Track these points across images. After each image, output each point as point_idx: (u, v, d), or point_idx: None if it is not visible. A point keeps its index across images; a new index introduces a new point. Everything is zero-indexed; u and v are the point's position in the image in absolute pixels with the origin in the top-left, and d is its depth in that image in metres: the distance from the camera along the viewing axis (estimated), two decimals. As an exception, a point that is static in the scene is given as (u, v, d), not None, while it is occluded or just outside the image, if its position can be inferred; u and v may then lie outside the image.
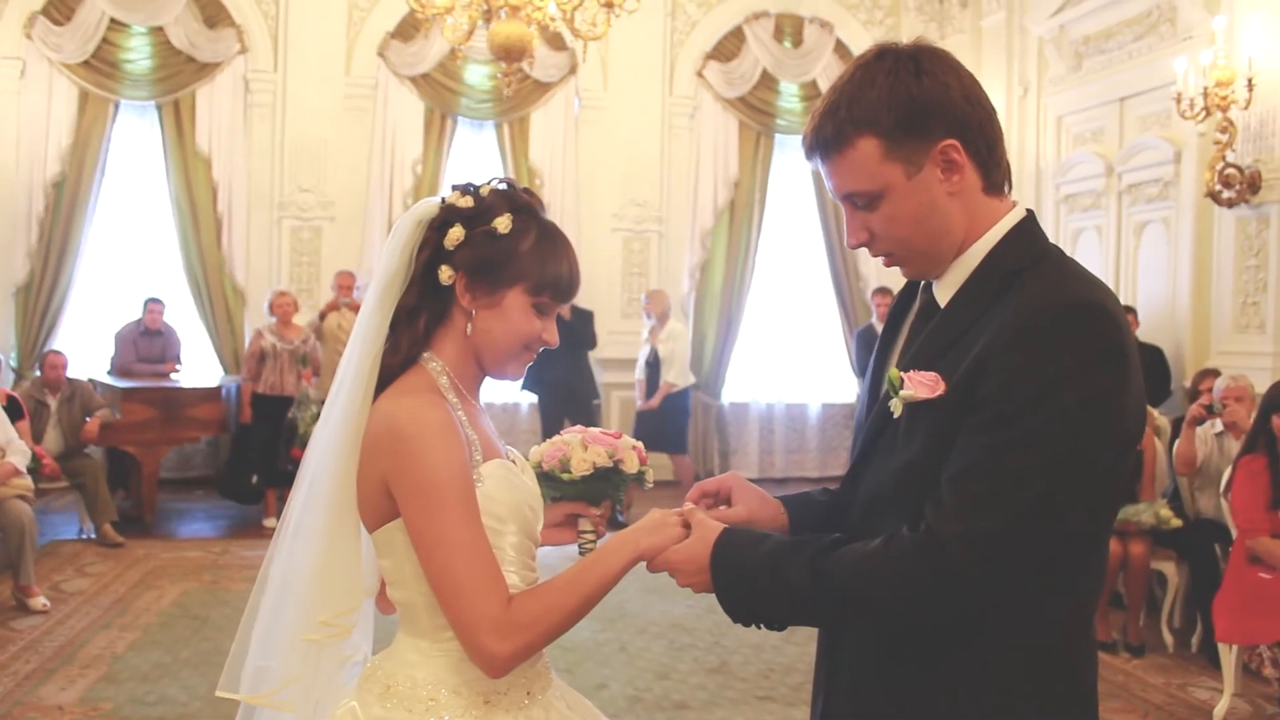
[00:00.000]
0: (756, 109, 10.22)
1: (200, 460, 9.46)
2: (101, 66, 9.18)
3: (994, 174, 1.56)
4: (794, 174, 10.39)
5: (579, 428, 1.90)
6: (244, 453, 8.13)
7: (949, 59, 1.54)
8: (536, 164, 9.96)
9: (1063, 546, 1.45)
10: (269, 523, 7.67)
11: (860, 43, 10.27)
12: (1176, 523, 5.65)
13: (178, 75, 9.33)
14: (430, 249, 1.69)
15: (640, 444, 1.90)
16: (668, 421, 8.45)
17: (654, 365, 8.54)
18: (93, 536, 7.34)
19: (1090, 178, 8.58)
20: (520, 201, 1.72)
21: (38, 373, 8.05)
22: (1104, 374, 1.41)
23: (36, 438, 6.87)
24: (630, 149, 10.10)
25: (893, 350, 1.69)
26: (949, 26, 10.29)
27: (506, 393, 9.60)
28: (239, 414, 8.21)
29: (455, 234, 1.67)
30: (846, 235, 1.60)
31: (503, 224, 1.67)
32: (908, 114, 1.48)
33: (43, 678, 4.84)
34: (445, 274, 1.67)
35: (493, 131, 10.01)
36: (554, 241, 1.71)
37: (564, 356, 8.58)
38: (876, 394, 1.64)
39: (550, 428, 8.77)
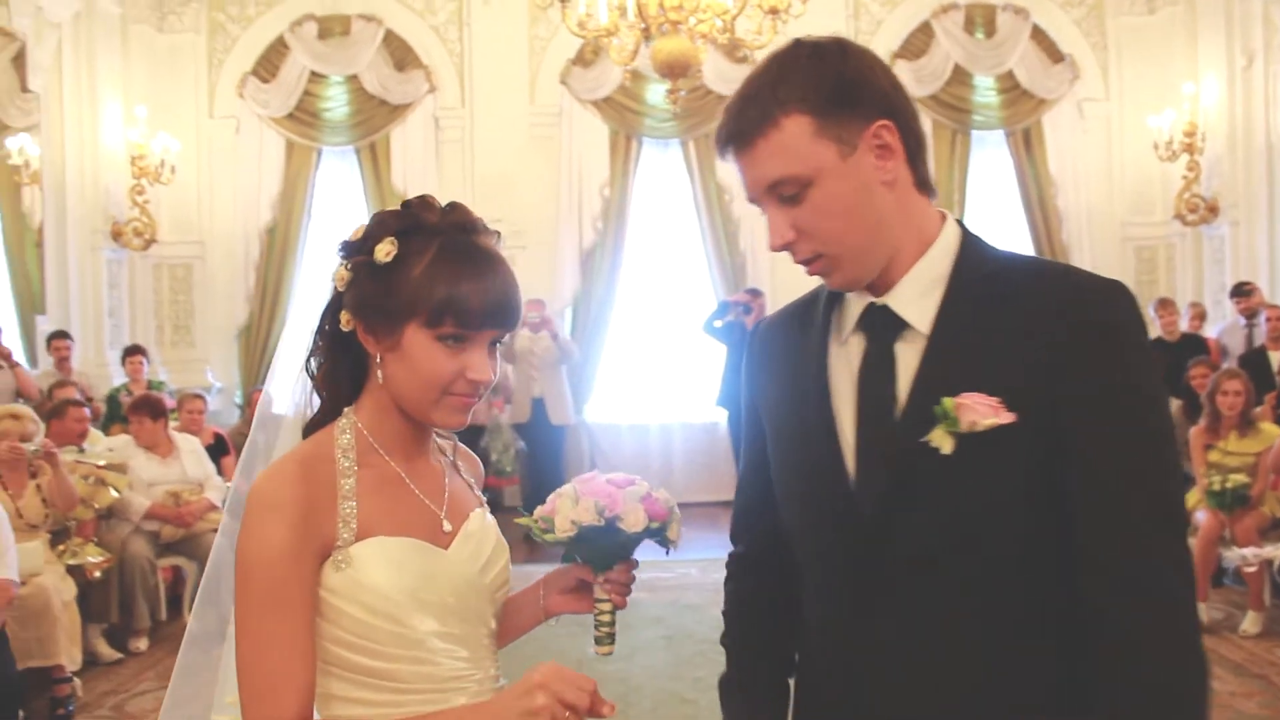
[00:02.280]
0: (949, 106, 9.74)
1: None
2: (304, 117, 9.67)
3: (923, 170, 1.40)
4: (994, 170, 9.83)
5: (591, 474, 1.61)
6: (441, 481, 8.30)
7: (869, 51, 1.42)
8: (725, 180, 9.82)
9: None
10: (466, 550, 7.79)
11: (1059, 26, 9.65)
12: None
13: (372, 119, 9.71)
14: (333, 292, 1.49)
15: (662, 494, 1.58)
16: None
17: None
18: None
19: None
20: (412, 220, 1.44)
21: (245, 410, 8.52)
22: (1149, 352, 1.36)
23: (246, 473, 7.20)
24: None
25: (817, 381, 1.45)
26: (1159, -1, 9.53)
27: (705, 412, 9.49)
28: (435, 443, 8.40)
29: (341, 272, 1.46)
30: (770, 237, 1.39)
31: (382, 251, 1.41)
32: (838, 89, 1.34)
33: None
34: (344, 319, 1.46)
35: (679, 149, 9.94)
36: (455, 260, 1.41)
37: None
38: (819, 434, 1.42)
39: (739, 444, 8.58)
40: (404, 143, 9.75)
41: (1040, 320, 1.31)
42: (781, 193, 1.34)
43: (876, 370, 1.40)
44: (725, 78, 9.51)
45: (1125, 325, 1.31)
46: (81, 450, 5.67)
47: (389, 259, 1.41)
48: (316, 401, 1.53)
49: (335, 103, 9.72)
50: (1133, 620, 1.26)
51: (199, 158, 9.58)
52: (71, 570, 5.22)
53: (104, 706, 4.95)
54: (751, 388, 1.60)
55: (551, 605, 1.65)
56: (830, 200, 1.33)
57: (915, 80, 9.61)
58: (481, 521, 1.54)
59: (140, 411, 5.90)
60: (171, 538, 5.99)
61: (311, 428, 1.50)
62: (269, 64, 9.63)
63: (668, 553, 1.61)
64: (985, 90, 9.77)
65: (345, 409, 1.48)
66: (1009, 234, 9.76)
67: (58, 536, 5.32)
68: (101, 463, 5.54)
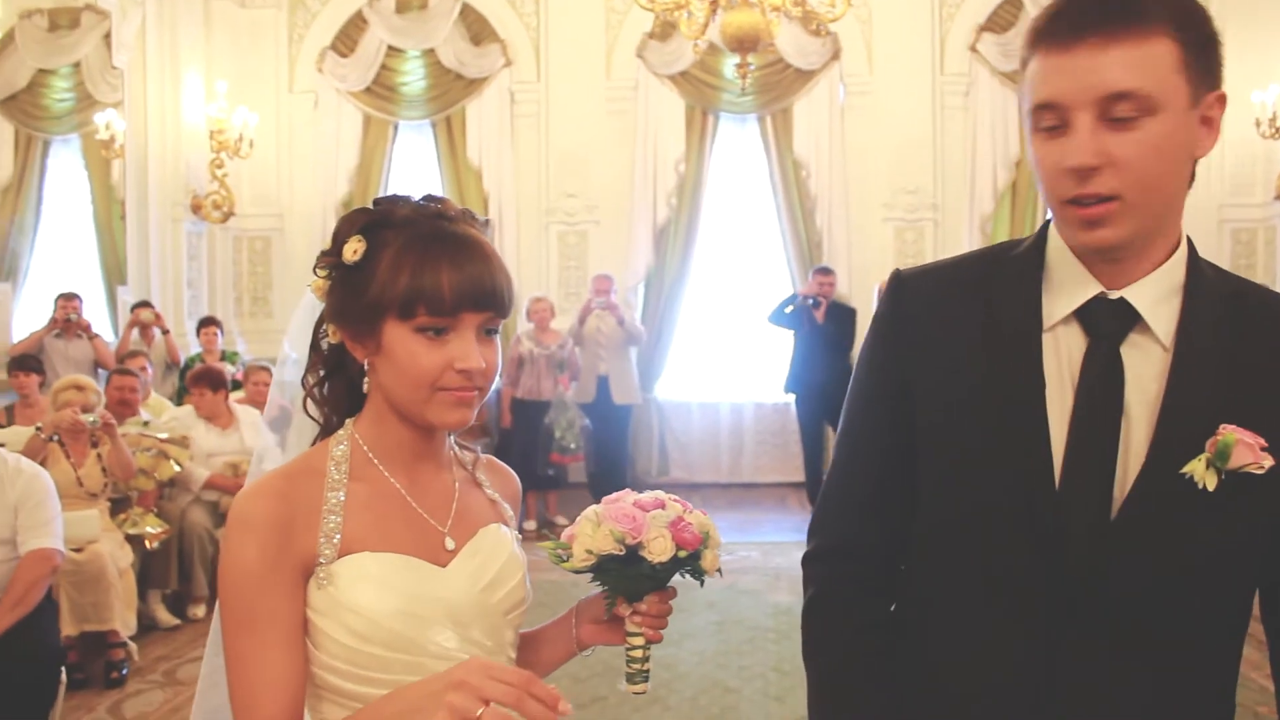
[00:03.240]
0: (1037, 80, 9.36)
1: (479, 462, 9.84)
2: (381, 91, 9.73)
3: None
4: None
5: (621, 493, 1.44)
6: (504, 457, 8.32)
7: None
8: (801, 155, 9.62)
9: None
10: (528, 525, 7.83)
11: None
12: None
13: (449, 93, 9.73)
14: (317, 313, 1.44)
15: (695, 519, 1.39)
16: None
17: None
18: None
19: None
20: (380, 216, 1.37)
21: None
22: None
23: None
24: (900, 134, 9.54)
25: (1029, 374, 1.26)
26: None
27: (778, 392, 9.35)
28: (499, 419, 8.44)
29: (319, 282, 1.40)
30: (1072, 153, 1.16)
31: (350, 250, 1.35)
32: (1208, 37, 1.21)
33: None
34: (330, 331, 1.41)
35: (755, 125, 9.77)
36: (422, 247, 1.33)
37: (823, 356, 8.25)
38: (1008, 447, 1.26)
39: (808, 431, 8.45)
40: (479, 117, 9.75)
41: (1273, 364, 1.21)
42: (1115, 110, 1.15)
43: (1106, 374, 1.23)
44: (803, 51, 9.32)
45: None
46: (145, 423, 5.80)
47: (357, 258, 1.34)
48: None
49: (412, 77, 9.76)
50: None
51: (278, 131, 9.72)
52: (131, 539, 5.35)
53: (156, 671, 5.08)
54: (897, 345, 1.36)
55: (583, 636, 1.52)
56: (1164, 140, 1.17)
57: (1002, 55, 9.28)
58: (494, 538, 1.45)
59: (200, 383, 6.01)
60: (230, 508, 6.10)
61: (315, 443, 1.46)
62: (347, 38, 9.71)
63: (702, 584, 1.43)
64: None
65: (347, 419, 1.43)
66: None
67: (119, 505, 5.46)
68: (164, 435, 5.66)
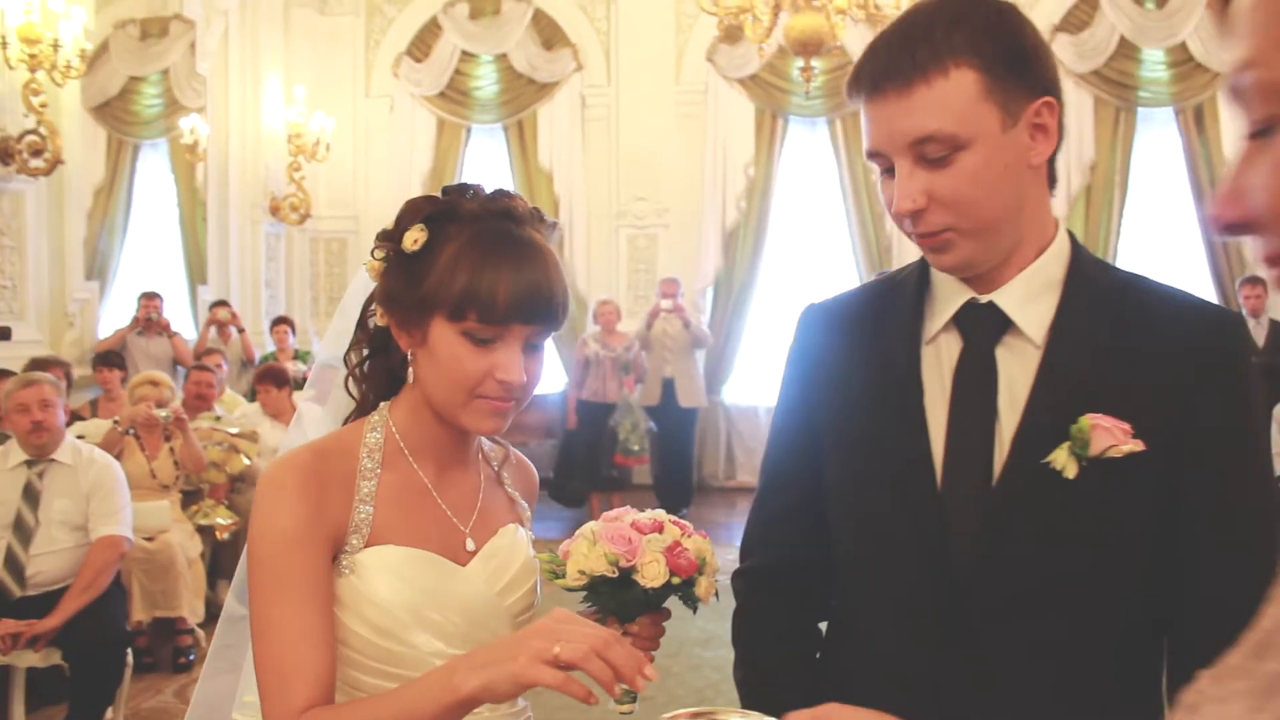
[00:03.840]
0: (1113, 82, 9.19)
1: (545, 463, 9.96)
2: (455, 95, 9.91)
3: (1054, 161, 1.27)
4: (1160, 151, 9.25)
5: (621, 511, 1.42)
6: (571, 457, 8.43)
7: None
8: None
9: None
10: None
11: None
12: None
13: (520, 97, 9.86)
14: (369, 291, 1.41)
15: (693, 544, 1.37)
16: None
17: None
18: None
19: None
20: (447, 207, 1.33)
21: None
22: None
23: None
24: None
25: (907, 383, 1.30)
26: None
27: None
28: (565, 420, 8.53)
29: (374, 263, 1.37)
30: (896, 199, 1.22)
31: (410, 239, 1.31)
32: (1015, 52, 1.21)
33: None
34: (379, 313, 1.38)
35: (825, 128, 9.74)
36: (483, 249, 1.29)
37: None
38: (903, 445, 1.29)
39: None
40: (550, 120, 9.87)
41: (1169, 349, 1.23)
42: (926, 152, 1.19)
43: (978, 377, 1.27)
44: (874, 54, 9.26)
45: (1246, 359, 1.27)
46: (218, 418, 5.98)
47: (417, 247, 1.31)
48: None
49: (485, 81, 9.92)
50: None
51: (354, 135, 9.95)
52: (202, 530, 5.53)
53: (222, 658, 5.21)
54: (802, 383, 1.43)
55: None
56: (979, 171, 1.19)
57: (1077, 56, 9.11)
58: (511, 539, 1.44)
59: (265, 381, 6.19)
60: (299, 502, 6.27)
61: (348, 423, 1.46)
62: (422, 44, 9.90)
63: (694, 611, 1.40)
64: (1154, 64, 9.17)
65: (382, 404, 1.42)
66: (1179, 217, 9.19)
67: (191, 497, 5.64)
68: (234, 430, 5.83)
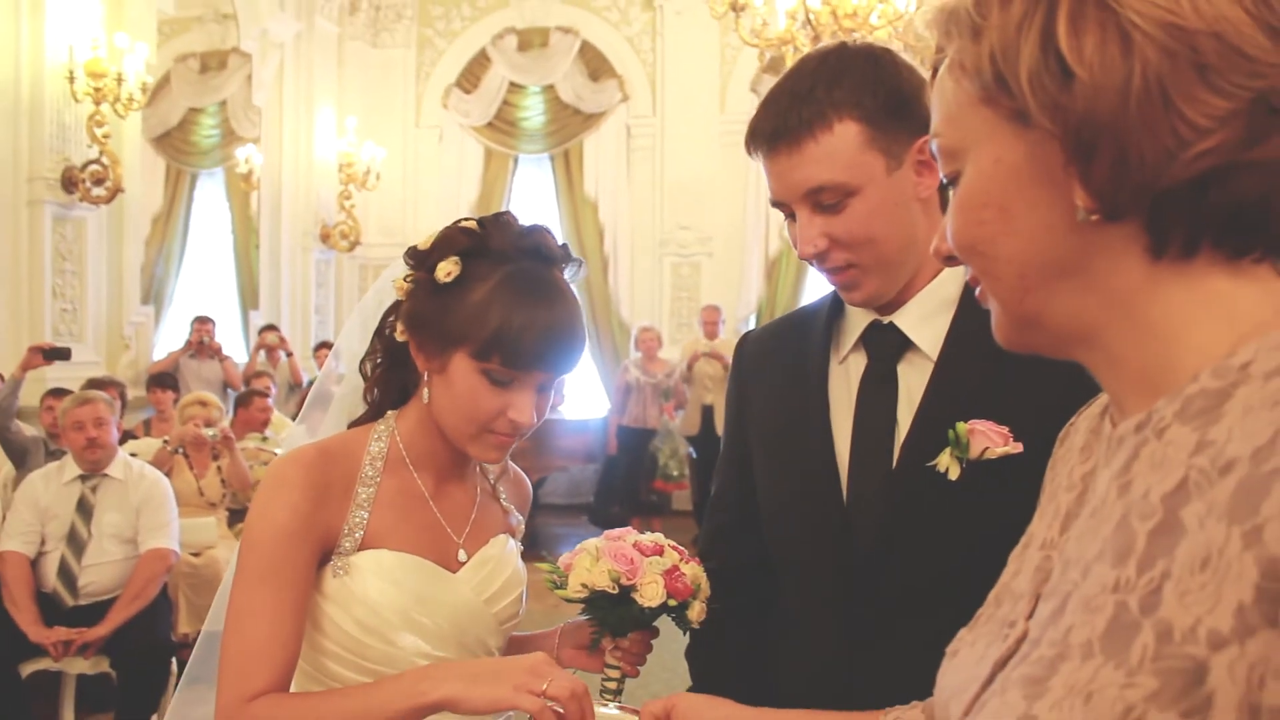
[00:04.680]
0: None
1: (588, 487, 10.04)
2: (502, 126, 10.10)
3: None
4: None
5: (624, 531, 1.48)
6: (611, 482, 8.50)
7: (913, 64, 1.38)
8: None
9: None
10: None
11: None
12: None
13: (567, 127, 10.03)
14: (394, 298, 1.45)
15: (690, 570, 1.43)
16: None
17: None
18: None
19: None
20: (481, 242, 1.37)
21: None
22: None
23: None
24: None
25: (815, 398, 1.42)
26: None
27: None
28: (606, 445, 8.61)
29: (401, 282, 1.41)
30: (799, 244, 1.34)
31: (443, 271, 1.34)
32: (892, 100, 1.31)
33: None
34: (399, 330, 1.42)
35: (868, 157, 9.78)
36: (515, 292, 1.33)
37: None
38: (818, 454, 1.39)
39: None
40: (596, 150, 10.01)
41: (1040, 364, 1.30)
42: (820, 200, 1.30)
43: (877, 390, 1.38)
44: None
45: None
46: (264, 438, 6.13)
47: (449, 280, 1.34)
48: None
49: (532, 112, 10.09)
50: None
51: (404, 164, 10.16)
52: (247, 547, 5.65)
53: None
54: (739, 402, 1.58)
55: (564, 659, 1.53)
56: (871, 212, 1.30)
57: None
58: (501, 549, 1.50)
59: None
60: (343, 521, 6.39)
61: (355, 426, 1.49)
62: (471, 75, 10.12)
63: (685, 634, 1.48)
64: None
65: (389, 412, 1.46)
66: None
67: (237, 515, 5.78)
68: (279, 451, 5.97)
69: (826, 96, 1.29)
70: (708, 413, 8.39)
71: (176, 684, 4.28)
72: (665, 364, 8.48)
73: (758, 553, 1.53)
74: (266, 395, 6.34)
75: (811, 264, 1.36)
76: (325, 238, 9.53)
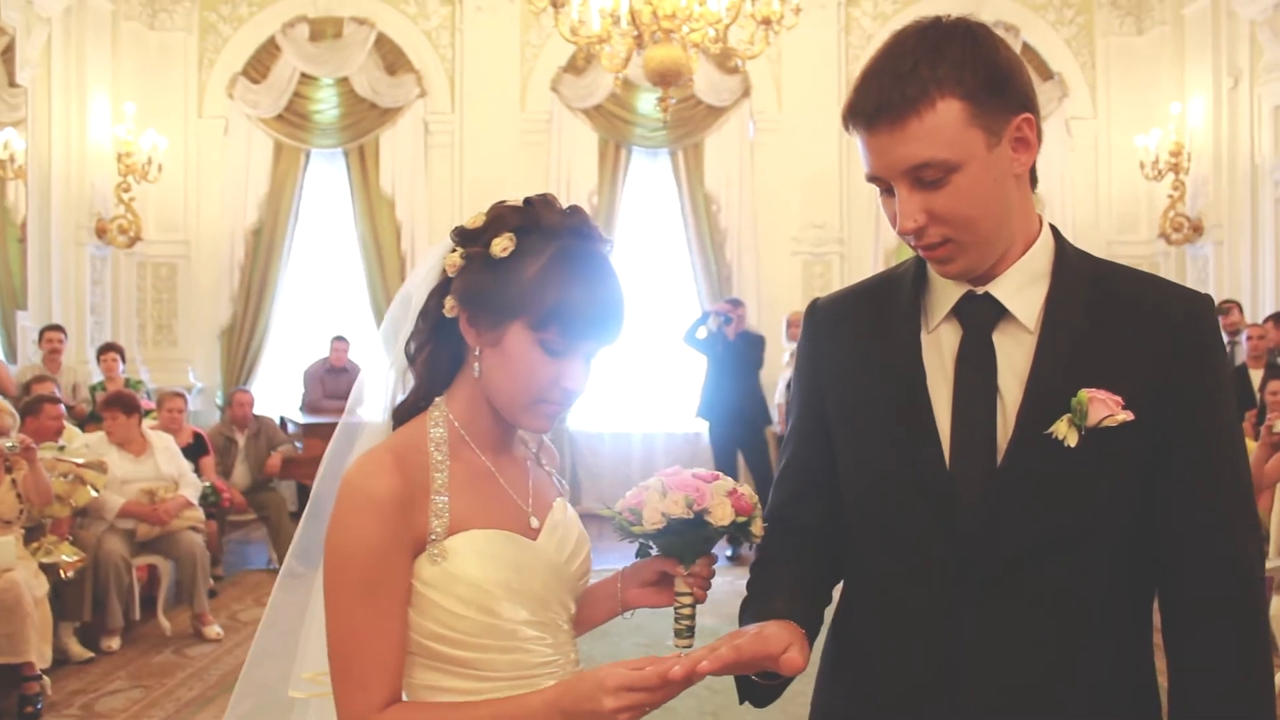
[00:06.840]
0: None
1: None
2: (293, 119, 9.65)
3: (1035, 165, 1.42)
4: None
5: (675, 469, 1.58)
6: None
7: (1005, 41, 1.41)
8: (712, 190, 9.84)
9: None
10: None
11: (1049, 44, 9.71)
12: None
13: (362, 122, 9.70)
14: (441, 276, 1.48)
15: (745, 490, 1.54)
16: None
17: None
18: (277, 567, 7.59)
19: (1315, 173, 7.78)
20: (532, 219, 1.43)
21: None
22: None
23: (225, 473, 7.20)
24: (807, 170, 9.80)
25: (910, 367, 1.45)
26: (1148, 19, 9.61)
27: (688, 422, 9.48)
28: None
29: (453, 258, 1.45)
30: (899, 219, 1.36)
31: (499, 246, 1.40)
32: (991, 77, 1.33)
33: (202, 704, 4.95)
34: (448, 305, 1.45)
35: (666, 159, 9.95)
36: (571, 266, 1.40)
37: (734, 380, 8.40)
38: (913, 425, 1.42)
39: (721, 456, 8.58)
40: (393, 146, 9.74)
41: (1151, 329, 1.37)
42: (923, 176, 1.32)
43: (977, 360, 1.41)
44: (715, 88, 9.54)
45: (1218, 336, 1.43)
46: (60, 448, 5.63)
47: (505, 254, 1.41)
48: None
49: (325, 105, 9.71)
50: (1222, 589, 1.36)
51: (186, 157, 9.56)
52: (45, 568, 5.17)
53: (73, 705, 4.90)
54: (815, 372, 1.57)
55: (629, 599, 1.62)
56: (972, 189, 1.33)
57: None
58: (564, 512, 1.56)
59: (113, 407, 5.85)
60: (147, 536, 5.95)
61: (402, 413, 1.51)
62: (260, 65, 9.62)
63: (751, 547, 1.60)
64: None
65: (437, 399, 1.49)
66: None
67: (32, 534, 5.28)
68: (80, 460, 5.49)
69: (930, 74, 1.30)
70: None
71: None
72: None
73: (830, 520, 1.55)
74: (57, 401, 5.80)
75: (908, 240, 1.38)
76: (101, 232, 8.83)
